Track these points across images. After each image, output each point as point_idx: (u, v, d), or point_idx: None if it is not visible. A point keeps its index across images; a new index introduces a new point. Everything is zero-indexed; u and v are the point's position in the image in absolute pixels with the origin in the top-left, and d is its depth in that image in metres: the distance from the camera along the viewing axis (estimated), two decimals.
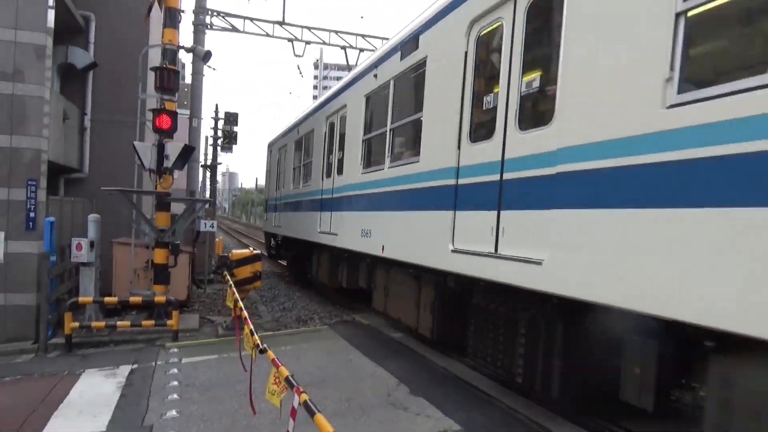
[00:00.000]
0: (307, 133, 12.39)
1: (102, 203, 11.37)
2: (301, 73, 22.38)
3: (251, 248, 9.54)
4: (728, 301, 2.99)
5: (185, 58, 40.47)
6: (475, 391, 6.34)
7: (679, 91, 3.40)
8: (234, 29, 19.00)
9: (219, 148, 25.92)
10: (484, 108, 5.55)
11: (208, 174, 29.20)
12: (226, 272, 8.81)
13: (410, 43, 7.15)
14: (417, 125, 6.89)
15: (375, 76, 8.39)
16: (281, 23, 19.57)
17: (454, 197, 5.79)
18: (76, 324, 8.52)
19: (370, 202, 8.18)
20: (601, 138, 3.88)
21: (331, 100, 10.85)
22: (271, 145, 18.45)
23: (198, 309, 11.46)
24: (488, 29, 5.55)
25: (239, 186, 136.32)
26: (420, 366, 7.32)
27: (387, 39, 10.96)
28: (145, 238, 10.58)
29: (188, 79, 20.10)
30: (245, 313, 5.97)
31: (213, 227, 12.86)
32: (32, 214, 8.69)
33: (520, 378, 5.22)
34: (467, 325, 6.24)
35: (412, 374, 6.89)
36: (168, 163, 9.06)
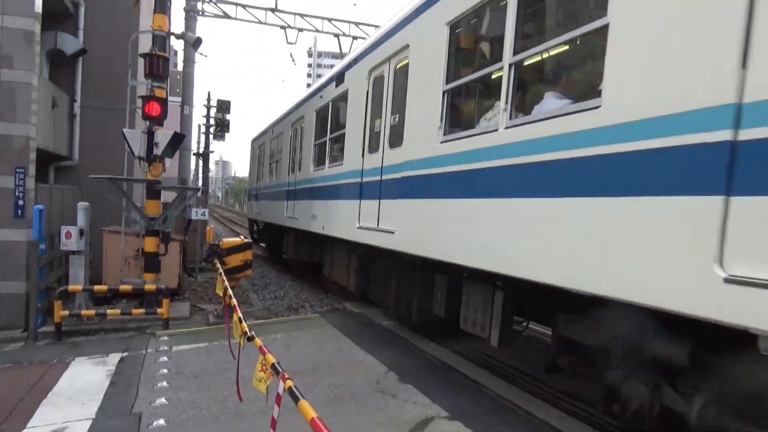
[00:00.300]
0: (278, 135, 14.64)
1: (92, 191, 11.31)
2: (294, 60, 22.24)
3: (242, 237, 9.52)
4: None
5: (177, 45, 40.03)
6: (464, 378, 6.39)
7: (444, 134, 5.72)
8: (226, 16, 18.84)
9: (211, 136, 25.75)
10: (375, 130, 7.69)
11: (200, 162, 29.06)
12: (216, 260, 8.80)
13: (340, 77, 9.47)
14: (342, 137, 8.98)
15: (320, 97, 10.60)
16: (274, 10, 19.42)
17: (360, 191, 7.97)
18: (66, 312, 8.50)
19: (316, 193, 10.29)
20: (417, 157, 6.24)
21: (294, 110, 13.11)
22: (253, 141, 20.48)
23: (189, 297, 11.45)
24: (378, 76, 7.77)
25: (232, 174, 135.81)
26: (409, 354, 7.37)
27: (378, 27, 12.16)
28: (135, 226, 10.55)
29: (180, 67, 19.96)
30: (234, 301, 5.98)
31: (204, 215, 12.83)
32: (21, 202, 8.64)
33: (392, 309, 8.16)
34: (370, 280, 9.02)
35: (402, 362, 6.94)
36: (158, 151, 9.01)
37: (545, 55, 4.77)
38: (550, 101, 4.38)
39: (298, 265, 13.35)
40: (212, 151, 27.33)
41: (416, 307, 7.42)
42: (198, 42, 10.79)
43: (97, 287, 9.09)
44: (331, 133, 9.80)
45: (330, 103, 9.96)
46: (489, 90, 5.39)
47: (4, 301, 8.63)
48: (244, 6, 19.13)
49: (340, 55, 22.89)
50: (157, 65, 8.99)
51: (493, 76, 5.13)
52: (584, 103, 3.88)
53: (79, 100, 12.58)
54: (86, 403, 5.79)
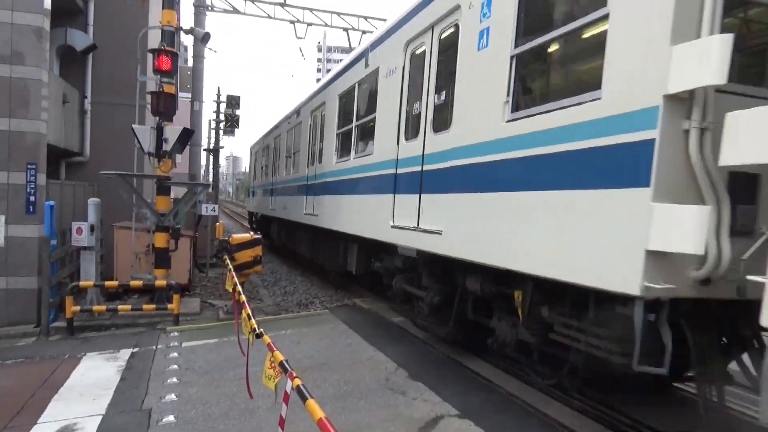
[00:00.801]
0: (296, 125, 14.03)
1: (104, 187, 11.38)
2: (303, 55, 22.19)
3: (251, 232, 9.52)
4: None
5: (187, 40, 40.12)
6: (475, 376, 6.34)
7: (513, 110, 4.73)
8: (235, 11, 18.82)
9: (221, 132, 25.80)
10: (414, 113, 6.76)
11: (211, 158, 29.13)
12: (225, 256, 8.80)
13: (367, 55, 8.42)
14: (371, 124, 8.04)
15: (345, 79, 9.63)
16: (283, 5, 19.38)
17: (394, 184, 7.20)
18: (78, 308, 8.55)
19: (339, 188, 9.47)
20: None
21: (313, 97, 12.20)
22: (252, 148, 23.42)
23: (200, 293, 11.50)
24: (417, 49, 6.76)
25: (243, 170, 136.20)
26: (419, 350, 7.32)
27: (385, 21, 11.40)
28: (146, 222, 10.59)
29: (190, 62, 19.97)
30: (243, 297, 5.98)
31: (214, 211, 12.85)
32: (32, 198, 8.69)
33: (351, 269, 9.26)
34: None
35: (412, 358, 6.90)
36: (167, 147, 9.02)
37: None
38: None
39: (334, 275, 12.71)
40: (222, 147, 27.40)
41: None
42: (206, 37, 10.77)
43: (108, 283, 9.13)
44: (357, 120, 8.84)
45: (356, 86, 8.94)
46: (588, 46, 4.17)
47: (17, 296, 8.70)
48: (253, 0, 19.11)
49: (350, 50, 22.82)
50: (166, 60, 8.98)
51: (595, 30, 3.97)
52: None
53: (90, 96, 12.61)
54: (97, 399, 5.82)
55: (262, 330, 4.69)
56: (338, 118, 9.85)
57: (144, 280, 9.31)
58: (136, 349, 7.58)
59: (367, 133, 8.36)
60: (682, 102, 3.33)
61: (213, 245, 13.59)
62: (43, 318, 8.45)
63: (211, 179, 28.20)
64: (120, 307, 8.97)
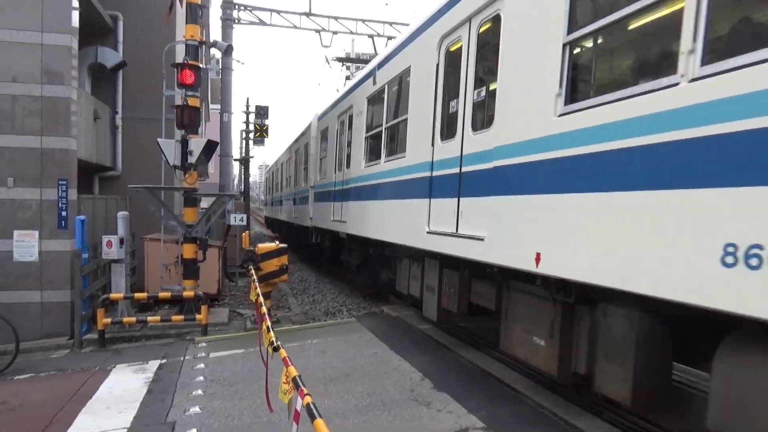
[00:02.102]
0: (323, 130, 13.52)
1: (136, 200, 11.56)
2: (329, 63, 22.28)
3: (277, 242, 9.51)
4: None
5: (219, 53, 40.91)
6: (502, 386, 6.14)
7: (565, 104, 4.30)
8: (261, 22, 19.02)
9: (251, 142, 26.08)
10: (450, 111, 6.35)
11: (242, 168, 29.47)
12: (251, 266, 8.81)
13: (397, 55, 8.16)
14: (403, 125, 7.71)
15: (373, 81, 9.21)
16: (308, 14, 19.50)
17: (429, 187, 6.79)
18: (109, 320, 8.67)
19: (369, 193, 9.15)
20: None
21: (340, 101, 11.85)
22: (267, 172, 29.23)
23: (229, 303, 11.56)
24: (453, 44, 6.37)
25: None
26: (446, 360, 7.16)
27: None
28: (176, 233, 10.72)
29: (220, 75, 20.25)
30: (264, 309, 5.92)
31: (243, 221, 12.93)
32: (64, 213, 8.87)
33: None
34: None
35: (438, 368, 6.74)
36: (192, 159, 9.10)
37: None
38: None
39: (359, 285, 12.53)
40: (252, 157, 27.69)
41: None
42: (229, 49, 10.87)
43: (137, 294, 9.23)
44: (387, 122, 8.46)
45: (386, 87, 8.54)
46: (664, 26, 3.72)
47: (51, 309, 8.88)
48: (278, 12, 19.28)
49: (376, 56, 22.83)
50: (189, 74, 9.06)
51: (670, 8, 3.52)
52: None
53: (121, 111, 12.88)
54: (123, 412, 5.84)
55: (279, 343, 4.61)
56: (367, 121, 9.52)
57: (172, 291, 9.39)
58: (164, 360, 7.62)
59: (397, 135, 8.04)
60: None
61: (242, 254, 13.70)
62: (76, 330, 8.59)
63: (243, 189, 28.49)
64: (149, 318, 9.06)
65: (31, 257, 8.79)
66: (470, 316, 7.15)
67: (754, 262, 2.77)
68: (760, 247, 2.76)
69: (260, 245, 9.37)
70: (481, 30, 5.78)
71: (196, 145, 9.19)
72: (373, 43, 21.21)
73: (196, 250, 9.67)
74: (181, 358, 7.69)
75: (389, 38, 21.15)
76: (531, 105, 4.66)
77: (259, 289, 7.00)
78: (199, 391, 6.30)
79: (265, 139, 24.89)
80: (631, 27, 3.93)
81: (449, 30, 6.37)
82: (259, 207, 53.41)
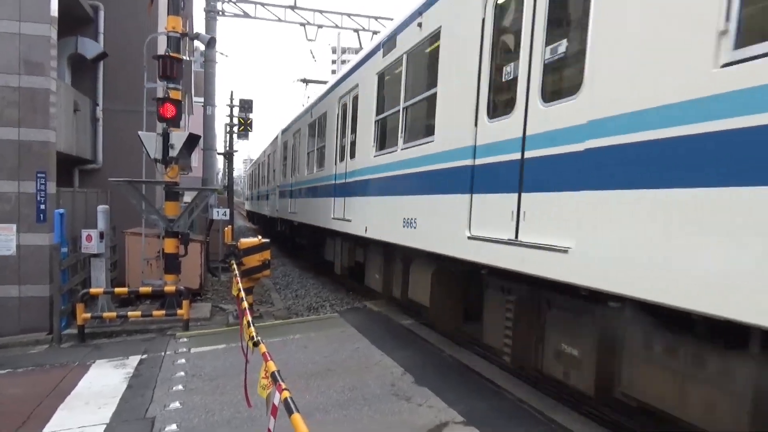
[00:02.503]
0: (319, 116, 12.45)
1: (117, 194, 11.41)
2: (314, 57, 22.17)
3: (260, 237, 9.48)
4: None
5: (202, 45, 40.49)
6: (483, 381, 6.20)
7: (736, 47, 2.82)
8: (246, 15, 18.88)
9: (236, 136, 25.88)
10: (505, 78, 4.91)
11: (226, 162, 29.23)
12: (233, 261, 8.78)
13: (420, 15, 6.55)
14: (428, 102, 6.31)
15: (387, 52, 7.63)
16: (293, 7, 19.39)
17: (470, 180, 5.37)
18: (89, 315, 8.60)
19: (380, 187, 7.89)
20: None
21: (342, 81, 10.65)
22: (249, 170, 31.87)
23: (211, 297, 11.51)
24: None
25: None
26: (427, 355, 7.21)
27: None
28: (157, 227, 10.64)
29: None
30: (245, 304, 5.92)
31: (225, 215, 12.86)
32: (42, 206, 8.75)
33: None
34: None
35: (419, 363, 6.79)
36: (173, 153, 9.03)
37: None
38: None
39: (345, 278, 11.91)
40: (236, 151, 27.46)
41: None
42: (212, 42, 10.79)
43: (117, 289, 9.17)
44: (406, 100, 6.96)
45: (405, 57, 7.02)
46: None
47: (30, 304, 8.77)
48: (263, 4, 19.15)
49: (360, 51, 22.76)
50: (171, 67, 9.00)
51: None
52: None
53: (102, 103, 12.71)
54: (102, 407, 5.80)
55: (259, 338, 4.61)
56: (377, 101, 8.11)
57: (154, 286, 9.33)
58: (144, 356, 7.58)
59: (422, 115, 6.62)
60: None
61: (224, 249, 13.63)
62: (55, 325, 8.51)
63: (227, 183, 28.29)
64: (130, 313, 9.00)
65: (9, 251, 8.67)
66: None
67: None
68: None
69: (243, 240, 9.34)
70: None
71: (178, 138, 9.13)
72: (359, 37, 21.14)
73: (178, 244, 9.61)
74: (162, 354, 7.65)
75: (374, 33, 21.11)
76: (656, 59, 3.26)
77: (240, 284, 7.00)
78: (180, 387, 6.28)
79: (250, 133, 24.73)
80: None
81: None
82: (242, 201, 53.34)
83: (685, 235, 3.02)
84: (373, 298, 11.45)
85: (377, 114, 8.00)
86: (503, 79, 4.93)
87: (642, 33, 3.41)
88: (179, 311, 8.97)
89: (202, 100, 18.58)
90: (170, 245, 9.54)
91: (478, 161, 5.17)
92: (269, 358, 3.87)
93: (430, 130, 6.16)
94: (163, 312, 9.03)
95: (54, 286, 8.56)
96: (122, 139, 12.69)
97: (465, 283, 6.31)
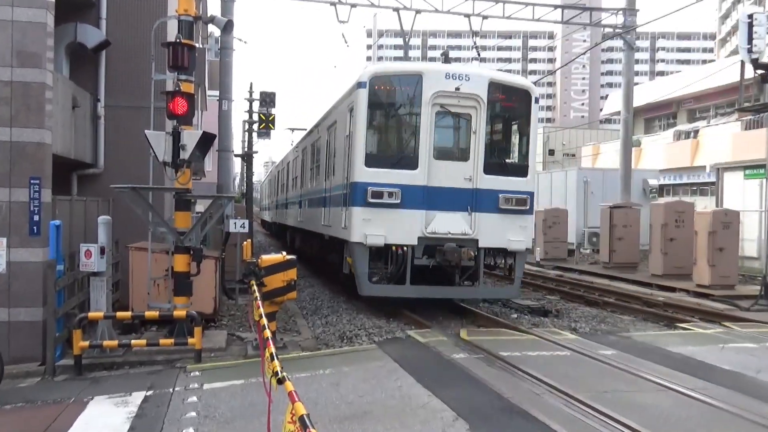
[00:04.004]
0: (263, 186, 29.21)
1: (120, 202, 11.60)
2: (346, 42, 22.33)
3: (284, 253, 9.49)
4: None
5: (217, 32, 41.37)
6: (549, 429, 6.01)
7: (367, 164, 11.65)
8: None
9: (255, 135, 26.29)
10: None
11: (245, 165, 29.69)
12: (253, 281, 8.78)
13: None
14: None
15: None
16: None
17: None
18: (87, 343, 8.72)
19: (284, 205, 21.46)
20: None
21: (279, 165, 26.28)
22: (275, 168, 37.31)
23: (227, 324, 11.59)
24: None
25: None
26: (484, 396, 7.09)
27: None
28: (165, 241, 10.78)
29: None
30: (268, 332, 5.87)
31: (244, 227, 12.96)
32: (36, 217, 8.95)
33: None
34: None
35: (474, 407, 6.67)
36: (185, 154, 9.12)
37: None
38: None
39: (385, 302, 12.94)
40: (256, 152, 27.86)
41: None
42: (229, 26, 10.92)
43: (119, 314, 9.29)
44: (328, 156, 16.02)
45: (320, 137, 17.27)
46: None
47: (20, 330, 8.95)
48: None
49: (402, 34, 22.80)
50: (182, 55, 9.12)
51: None
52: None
53: (103, 99, 13.00)
54: None
55: (285, 374, 4.54)
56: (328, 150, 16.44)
57: (161, 310, 9.42)
58: (150, 392, 7.64)
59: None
60: None
61: (242, 267, 13.72)
62: (49, 355, 8.67)
63: (245, 188, 28.71)
64: (134, 342, 9.10)
65: None
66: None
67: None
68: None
69: (264, 257, 9.36)
70: None
71: (190, 137, 9.22)
72: (399, 18, 21.21)
73: (189, 261, 9.69)
74: (170, 390, 7.71)
75: (417, 11, 21.12)
76: (348, 160, 12.39)
77: (262, 309, 6.96)
78: (191, 430, 6.29)
79: (271, 131, 25.08)
80: None
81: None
82: (260, 210, 54.30)
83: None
84: (418, 326, 11.34)
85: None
86: (349, 153, 12.16)
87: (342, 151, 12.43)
88: (190, 340, 9.02)
89: (217, 93, 18.91)
90: (180, 262, 9.63)
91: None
92: (296, 398, 3.80)
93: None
94: (172, 341, 9.09)
95: (48, 309, 8.73)
96: (127, 140, 12.95)
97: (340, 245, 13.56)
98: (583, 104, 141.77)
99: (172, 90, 9.33)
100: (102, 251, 9.36)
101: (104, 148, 13.07)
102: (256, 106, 25.42)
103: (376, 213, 11.58)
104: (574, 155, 52.15)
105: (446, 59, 13.25)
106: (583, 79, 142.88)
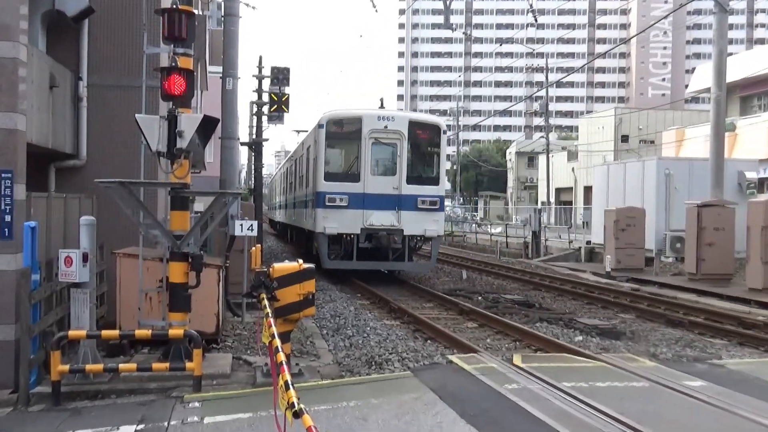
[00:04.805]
0: (273, 181, 38.21)
1: (106, 200, 11.71)
2: (375, 6, 22.41)
3: (300, 260, 9.53)
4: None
5: None
6: None
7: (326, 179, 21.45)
8: None
9: (266, 119, 26.41)
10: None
11: (253, 155, 29.90)
12: (263, 294, 8.84)
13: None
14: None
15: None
16: None
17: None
18: (66, 367, 8.85)
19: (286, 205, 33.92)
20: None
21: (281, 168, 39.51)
22: (284, 166, 42.06)
23: (232, 345, 11.67)
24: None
25: None
26: None
27: None
28: (158, 246, 10.88)
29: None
30: (281, 356, 5.91)
31: (252, 230, 13.05)
32: (8, 218, 9.09)
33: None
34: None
35: None
36: (182, 143, 9.18)
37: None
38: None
39: (424, 322, 14.44)
40: (266, 140, 27.97)
41: None
42: None
43: (105, 332, 9.40)
44: (306, 170, 27.27)
45: (299, 156, 29.04)
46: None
47: None
48: None
49: None
50: (179, 24, 9.20)
51: None
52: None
53: (86, 77, 13.18)
54: None
55: (302, 406, 4.56)
56: (307, 166, 26.01)
57: (154, 329, 9.52)
58: (141, 426, 7.75)
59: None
60: None
61: (250, 278, 13.82)
62: (22, 381, 8.81)
63: (253, 183, 28.93)
64: (122, 366, 9.19)
65: None
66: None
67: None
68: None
69: (276, 265, 9.40)
70: None
71: (189, 122, 9.29)
72: None
73: (188, 270, 9.77)
74: (165, 424, 7.80)
75: None
76: (308, 178, 24.10)
77: (274, 328, 7.01)
78: None
79: (285, 114, 25.18)
80: None
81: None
82: (271, 208, 55.51)
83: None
84: (461, 349, 11.31)
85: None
86: (314, 171, 22.06)
87: (311, 169, 22.88)
88: (188, 364, 9.10)
89: (219, 70, 19.06)
90: (177, 272, 9.72)
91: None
92: None
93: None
94: (167, 365, 9.18)
95: (21, 326, 8.87)
96: (114, 126, 13.13)
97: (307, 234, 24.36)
98: (663, 80, 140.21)
99: (168, 66, 9.41)
100: (85, 258, 9.48)
101: (87, 136, 13.23)
102: (266, 84, 25.51)
103: (332, 212, 20.59)
104: (653, 142, 51.71)
105: (381, 105, 23.93)
106: (664, 48, 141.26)
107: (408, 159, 21.12)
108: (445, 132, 22.22)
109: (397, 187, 20.78)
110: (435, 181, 21.67)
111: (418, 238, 21.62)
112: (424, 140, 21.90)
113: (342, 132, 21.75)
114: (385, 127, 20.92)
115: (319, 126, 21.46)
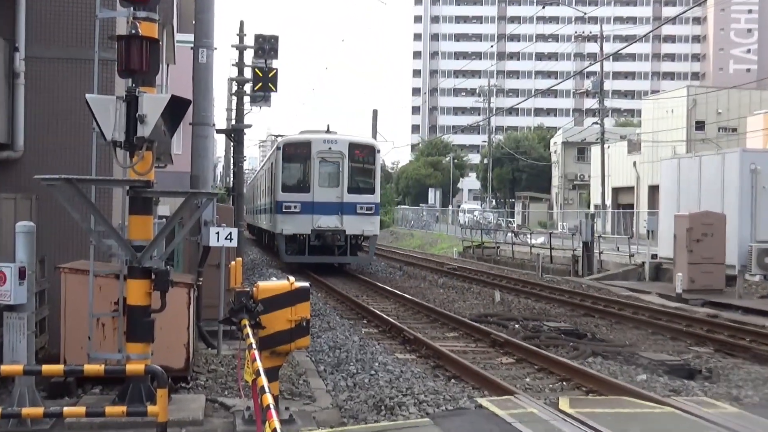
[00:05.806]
0: (257, 178, 55.08)
1: (49, 201, 11.75)
2: None
3: (291, 278, 9.53)
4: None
5: None
6: None
7: (283, 190, 35.24)
8: None
9: (248, 100, 26.46)
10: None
11: (232, 145, 30.00)
12: (245, 321, 8.84)
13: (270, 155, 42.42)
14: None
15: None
16: None
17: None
18: None
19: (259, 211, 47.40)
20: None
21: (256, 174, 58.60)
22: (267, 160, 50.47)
23: (205, 385, 11.66)
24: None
25: None
26: None
27: None
28: (112, 259, 10.87)
29: None
30: (267, 398, 5.91)
31: (231, 240, 13.05)
32: None
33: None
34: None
35: None
36: (144, 130, 9.18)
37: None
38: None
39: (447, 358, 14.65)
40: (249, 126, 28.12)
41: None
42: None
43: (47, 367, 9.39)
44: (272, 182, 39.52)
45: (265, 169, 39.81)
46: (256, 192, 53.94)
47: None
48: None
49: None
50: None
51: None
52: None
53: (24, 48, 13.20)
54: None
55: None
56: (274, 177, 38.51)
57: (107, 363, 9.52)
58: None
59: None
60: None
61: (229, 299, 13.82)
62: None
63: (231, 180, 28.98)
64: (67, 410, 9.12)
65: None
66: None
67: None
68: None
69: (262, 284, 9.41)
70: None
71: (152, 104, 9.29)
72: None
73: (150, 290, 9.78)
74: None
75: None
76: (270, 188, 38.32)
77: (259, 363, 7.02)
78: None
79: (273, 94, 25.08)
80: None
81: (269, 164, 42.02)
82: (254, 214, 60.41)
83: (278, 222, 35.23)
84: (494, 390, 11.28)
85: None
86: (274, 183, 36.41)
87: (273, 182, 37.12)
88: (151, 408, 9.06)
89: (190, 38, 19.07)
90: (137, 292, 9.73)
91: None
92: None
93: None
94: (124, 408, 9.13)
95: None
96: (58, 108, 13.13)
97: (269, 234, 41.57)
98: (748, 51, 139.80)
99: (126, 34, 9.44)
100: (22, 274, 9.51)
101: (25, 121, 13.21)
102: (249, 57, 25.55)
103: (288, 217, 32.65)
104: (735, 130, 51.56)
105: (328, 130, 36.72)
106: (749, 12, 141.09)
107: (349, 173, 32.88)
108: (379, 151, 35.81)
109: (340, 196, 32.54)
110: (371, 191, 33.82)
111: (358, 236, 33.54)
112: (361, 158, 34.05)
113: (295, 153, 33.72)
114: (330, 148, 32.91)
115: (278, 148, 34.53)
